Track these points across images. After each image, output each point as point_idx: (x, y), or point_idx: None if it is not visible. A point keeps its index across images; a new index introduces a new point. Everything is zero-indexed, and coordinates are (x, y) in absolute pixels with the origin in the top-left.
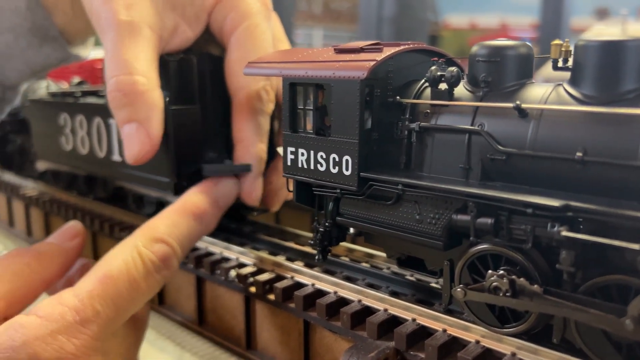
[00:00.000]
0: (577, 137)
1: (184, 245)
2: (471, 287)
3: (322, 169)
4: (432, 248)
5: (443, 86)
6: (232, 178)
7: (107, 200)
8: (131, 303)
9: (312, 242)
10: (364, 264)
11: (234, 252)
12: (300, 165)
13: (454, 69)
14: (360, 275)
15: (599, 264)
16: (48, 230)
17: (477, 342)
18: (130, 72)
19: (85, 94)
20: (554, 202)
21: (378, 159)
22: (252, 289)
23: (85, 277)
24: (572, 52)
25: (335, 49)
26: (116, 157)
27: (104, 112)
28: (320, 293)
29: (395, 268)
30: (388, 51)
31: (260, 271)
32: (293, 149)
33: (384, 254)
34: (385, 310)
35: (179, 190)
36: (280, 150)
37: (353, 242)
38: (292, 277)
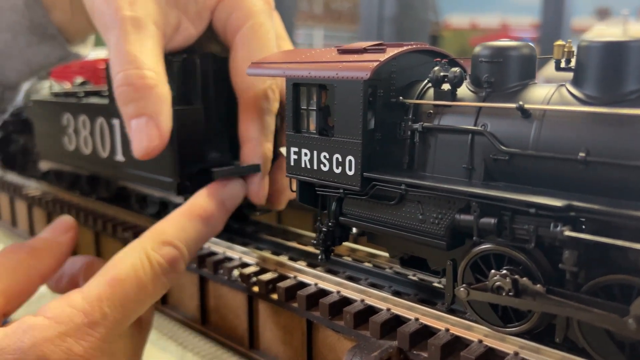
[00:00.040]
0: (580, 138)
1: (191, 248)
2: (474, 286)
3: (325, 169)
4: (435, 248)
5: (446, 87)
6: (239, 179)
7: (109, 200)
8: (138, 305)
9: (315, 242)
10: (367, 264)
11: (236, 252)
12: (303, 166)
13: (456, 69)
14: (362, 275)
15: (601, 263)
16: None
17: (480, 341)
18: (138, 66)
19: (88, 94)
20: (557, 202)
21: (381, 159)
22: (255, 289)
23: (94, 279)
24: (575, 53)
25: (338, 50)
26: (119, 157)
27: (107, 112)
28: (323, 293)
29: (397, 268)
30: (391, 52)
31: (263, 271)
32: (296, 149)
33: (386, 254)
34: (388, 309)
35: (181, 190)
36: (283, 150)
37: (355, 242)
38: (295, 277)
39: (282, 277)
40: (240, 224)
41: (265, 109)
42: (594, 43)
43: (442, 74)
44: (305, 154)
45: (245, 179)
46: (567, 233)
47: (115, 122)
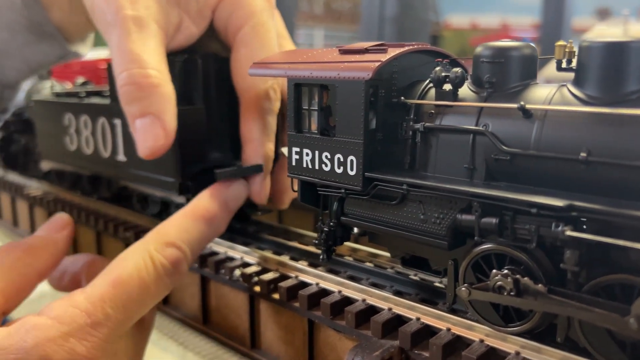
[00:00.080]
0: (581, 138)
1: (194, 250)
2: (476, 286)
3: (327, 169)
4: (437, 247)
5: (447, 87)
6: (242, 180)
7: (111, 200)
8: (141, 306)
9: (316, 241)
10: (368, 264)
11: (238, 252)
12: (305, 166)
13: (458, 69)
14: (364, 274)
15: (603, 263)
16: None
17: (482, 341)
18: (142, 65)
19: (90, 94)
20: (558, 202)
21: (382, 159)
22: (257, 288)
23: (97, 280)
24: (576, 53)
25: (340, 50)
26: (121, 157)
27: (109, 112)
28: (325, 292)
29: (398, 267)
30: (393, 52)
31: (264, 270)
32: (298, 149)
33: (387, 254)
34: (390, 309)
35: (183, 190)
36: (284, 150)
37: (356, 242)
38: (296, 277)
39: (284, 277)
40: (242, 224)
41: (267, 109)
42: (595, 43)
43: (443, 74)
44: (307, 154)
45: (247, 179)
46: (569, 233)
47: (117, 122)
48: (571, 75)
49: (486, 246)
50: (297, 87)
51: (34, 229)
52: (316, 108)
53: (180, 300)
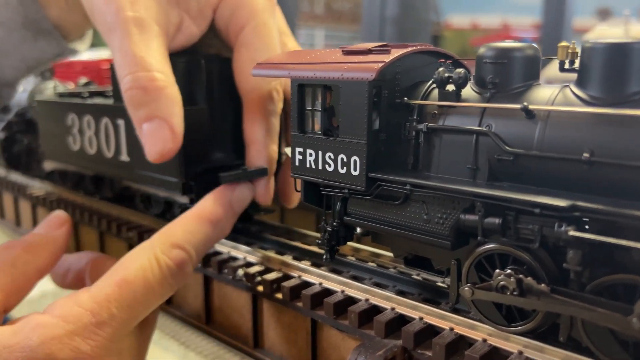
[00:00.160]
0: (584, 138)
1: (200, 251)
2: (479, 286)
3: (330, 169)
4: (440, 247)
5: (450, 87)
6: (247, 182)
7: (114, 200)
8: (145, 307)
9: (319, 241)
10: (371, 264)
11: (241, 252)
12: (308, 166)
13: (461, 70)
14: (367, 274)
15: (605, 263)
16: None
17: (484, 340)
18: (147, 68)
19: (93, 94)
20: (561, 202)
21: (386, 160)
22: (260, 288)
23: (102, 280)
24: (579, 54)
25: (343, 51)
26: (124, 157)
27: (112, 112)
28: (328, 292)
29: (401, 267)
30: (396, 53)
31: (267, 270)
32: (301, 150)
33: (390, 254)
34: (393, 309)
35: (186, 190)
36: (288, 150)
37: (359, 242)
38: (299, 276)
39: (287, 277)
40: (245, 224)
41: (270, 111)
42: (598, 44)
43: (446, 74)
44: (310, 155)
45: (252, 181)
46: (572, 233)
47: (120, 122)
48: (572, 75)
49: (489, 246)
50: (301, 88)
51: None
52: (319, 108)
53: (183, 299)
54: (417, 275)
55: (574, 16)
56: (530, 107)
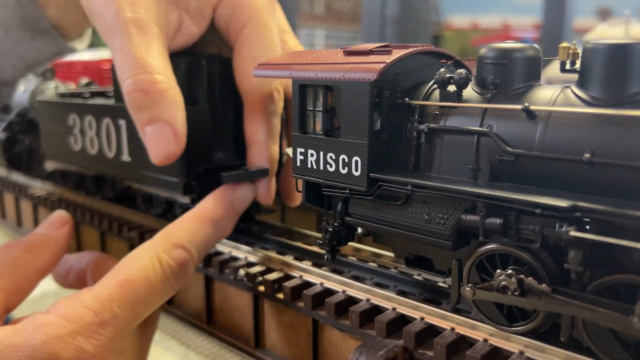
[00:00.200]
0: (585, 139)
1: (201, 251)
2: (480, 286)
3: (332, 169)
4: (441, 248)
5: (452, 88)
6: (248, 182)
7: (115, 200)
8: (148, 306)
9: (321, 241)
10: (372, 264)
11: (242, 252)
12: (309, 166)
13: (462, 71)
14: (368, 274)
15: (606, 263)
16: None
17: (485, 340)
18: (148, 70)
19: (94, 94)
20: (562, 203)
21: (387, 160)
22: (261, 288)
23: (105, 279)
24: (580, 55)
25: (344, 51)
26: (125, 157)
27: (113, 112)
28: (329, 292)
29: (402, 267)
30: (397, 53)
31: (268, 270)
32: (302, 150)
33: (391, 254)
34: (394, 309)
35: (187, 190)
36: (289, 151)
37: (360, 242)
38: (300, 277)
39: (288, 277)
40: (246, 224)
41: (271, 111)
42: (599, 45)
43: (447, 75)
44: (312, 155)
45: (253, 181)
46: (573, 233)
47: (122, 122)
48: (573, 76)
49: (490, 246)
50: (302, 88)
51: None
52: (321, 109)
53: (184, 299)
54: (418, 275)
55: (574, 16)
56: (532, 107)
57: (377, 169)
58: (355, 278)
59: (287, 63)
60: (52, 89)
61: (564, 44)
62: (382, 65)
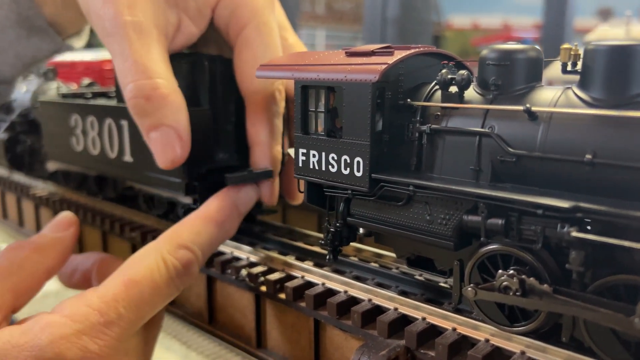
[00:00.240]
0: (587, 140)
1: (206, 252)
2: (482, 286)
3: (334, 170)
4: (443, 248)
5: (453, 89)
6: (252, 184)
7: (117, 201)
8: (152, 306)
9: (322, 242)
10: (373, 264)
11: (244, 252)
12: (311, 167)
13: (464, 72)
14: (369, 274)
15: (607, 264)
16: None
17: (487, 340)
18: (149, 75)
19: (96, 95)
20: (564, 204)
21: (389, 161)
22: (263, 288)
23: (110, 280)
24: (581, 56)
25: (346, 52)
26: (127, 157)
27: (115, 113)
28: (331, 292)
29: (404, 268)
30: (399, 54)
31: (270, 270)
32: (304, 151)
33: (392, 254)
34: (396, 309)
35: (190, 191)
36: (291, 151)
37: (361, 242)
38: (302, 277)
39: (290, 277)
40: (248, 224)
41: (274, 112)
42: (601, 46)
43: (449, 76)
44: (314, 156)
45: (257, 182)
46: (574, 234)
47: (124, 122)
48: (573, 77)
49: (492, 247)
50: (304, 89)
51: (40, 229)
52: (323, 110)
53: (186, 299)
54: (420, 275)
55: (575, 16)
56: (533, 108)
57: (379, 169)
58: (357, 278)
59: (289, 64)
60: (54, 89)
61: (566, 45)
62: (384, 67)
